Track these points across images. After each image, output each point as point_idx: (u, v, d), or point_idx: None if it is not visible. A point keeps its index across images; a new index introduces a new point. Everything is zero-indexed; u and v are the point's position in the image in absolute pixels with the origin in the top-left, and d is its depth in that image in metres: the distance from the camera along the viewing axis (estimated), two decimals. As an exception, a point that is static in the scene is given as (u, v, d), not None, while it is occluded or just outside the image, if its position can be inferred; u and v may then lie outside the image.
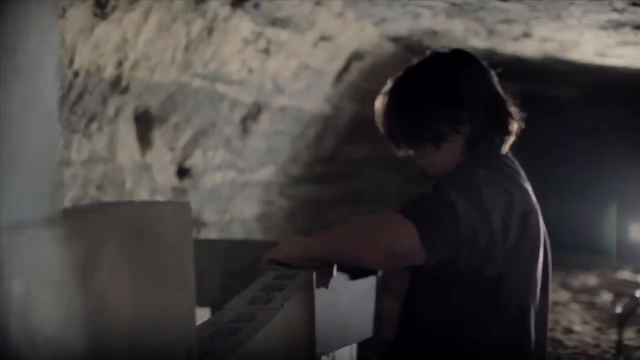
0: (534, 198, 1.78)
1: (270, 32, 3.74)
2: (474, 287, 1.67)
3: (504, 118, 1.81)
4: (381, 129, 1.86)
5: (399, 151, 1.87)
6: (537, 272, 1.76)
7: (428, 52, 1.88)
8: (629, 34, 4.20)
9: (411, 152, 1.85)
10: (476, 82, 1.80)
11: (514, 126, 1.83)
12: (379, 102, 1.86)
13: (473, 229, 1.57)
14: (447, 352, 1.74)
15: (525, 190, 1.76)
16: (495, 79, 1.85)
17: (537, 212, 1.76)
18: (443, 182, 1.68)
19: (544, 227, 1.82)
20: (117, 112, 3.04)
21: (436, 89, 1.79)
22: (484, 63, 1.86)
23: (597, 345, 4.97)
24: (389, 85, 1.86)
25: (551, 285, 1.86)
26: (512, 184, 1.73)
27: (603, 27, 4.06)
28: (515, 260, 1.68)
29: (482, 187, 1.63)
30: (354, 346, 2.26)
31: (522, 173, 1.83)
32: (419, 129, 1.79)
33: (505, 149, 1.84)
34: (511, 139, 1.84)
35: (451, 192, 1.59)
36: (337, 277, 1.72)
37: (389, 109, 1.83)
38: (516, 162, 1.84)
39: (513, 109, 1.83)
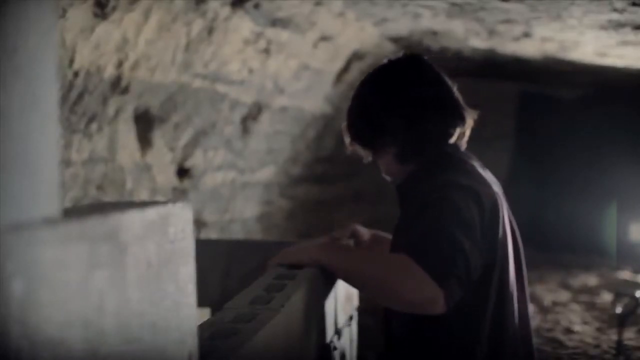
0: (494, 186, 1.80)
1: (271, 32, 3.74)
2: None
3: (438, 124, 1.83)
4: None
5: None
6: (510, 258, 1.77)
7: (384, 60, 1.95)
8: (629, 34, 4.20)
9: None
10: (406, 94, 1.84)
11: (452, 130, 1.85)
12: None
13: (475, 262, 1.61)
14: (431, 350, 1.75)
15: (485, 180, 1.78)
16: (442, 83, 1.87)
17: (500, 198, 1.78)
18: (427, 202, 1.68)
19: (509, 211, 1.84)
20: (117, 112, 3.04)
21: (365, 104, 1.89)
22: (433, 69, 1.88)
23: (597, 346, 4.97)
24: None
25: (526, 275, 1.87)
26: (474, 179, 1.75)
27: (603, 27, 4.06)
28: (492, 255, 1.70)
29: (460, 202, 1.65)
30: (354, 346, 2.26)
31: (478, 162, 1.86)
32: (359, 140, 1.91)
33: (462, 144, 1.88)
34: (464, 136, 1.88)
35: (449, 224, 1.60)
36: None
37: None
38: (470, 154, 1.88)
39: (455, 112, 1.84)
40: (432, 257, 1.57)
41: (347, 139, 1.95)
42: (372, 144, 1.89)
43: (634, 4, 3.37)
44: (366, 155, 1.94)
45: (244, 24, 3.46)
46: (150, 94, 3.18)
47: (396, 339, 1.84)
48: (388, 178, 1.96)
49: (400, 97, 1.83)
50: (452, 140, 1.85)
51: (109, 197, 3.16)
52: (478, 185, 1.73)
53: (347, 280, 1.74)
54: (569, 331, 5.32)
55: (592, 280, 7.17)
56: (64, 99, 2.63)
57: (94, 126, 2.91)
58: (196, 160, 3.93)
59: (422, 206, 1.68)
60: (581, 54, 5.29)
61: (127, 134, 3.18)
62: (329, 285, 1.83)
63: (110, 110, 2.98)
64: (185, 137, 3.71)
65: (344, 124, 1.96)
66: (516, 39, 4.73)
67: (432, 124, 1.82)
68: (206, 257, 2.26)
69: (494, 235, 1.71)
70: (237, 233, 4.87)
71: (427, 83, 1.85)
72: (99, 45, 2.64)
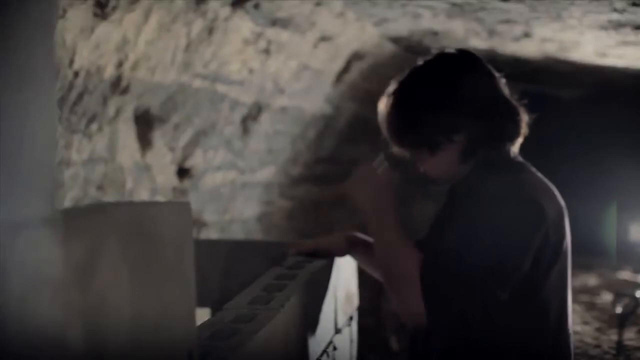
0: (558, 195, 1.77)
1: (271, 32, 3.74)
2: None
3: (508, 123, 1.78)
4: (383, 132, 1.85)
5: (401, 154, 1.88)
6: (569, 270, 1.77)
7: (434, 53, 1.85)
8: (629, 34, 4.20)
9: (410, 155, 1.84)
10: (476, 88, 1.76)
11: (520, 130, 1.80)
12: (382, 104, 1.84)
13: (488, 301, 1.60)
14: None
15: (551, 190, 1.76)
16: (500, 81, 1.81)
17: (565, 209, 1.76)
18: (481, 211, 1.64)
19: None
20: (118, 112, 3.04)
21: (432, 96, 1.76)
22: (489, 66, 1.82)
23: (597, 346, 4.97)
24: (391, 86, 1.84)
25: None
26: (540, 189, 1.72)
27: (603, 27, 4.06)
28: (555, 267, 1.70)
29: (511, 220, 1.62)
30: (354, 346, 2.26)
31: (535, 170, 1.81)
32: (414, 135, 1.78)
33: (515, 152, 1.83)
34: (518, 142, 1.82)
35: (479, 258, 1.58)
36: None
37: (388, 111, 1.82)
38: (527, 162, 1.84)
39: (519, 113, 1.80)
40: (438, 296, 1.59)
41: (395, 144, 1.83)
42: (436, 138, 1.76)
43: (634, 4, 3.37)
44: (418, 159, 1.82)
45: (244, 24, 3.46)
46: (150, 94, 3.19)
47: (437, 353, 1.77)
48: (431, 180, 1.86)
49: (474, 88, 1.76)
50: (519, 140, 1.81)
51: (109, 197, 3.16)
52: (543, 196, 1.70)
53: (374, 244, 1.74)
54: (569, 331, 5.32)
55: (592, 280, 7.17)
56: (64, 99, 2.63)
57: (94, 126, 2.91)
58: (196, 161, 3.93)
59: (471, 214, 1.65)
60: (581, 54, 5.28)
61: (127, 134, 3.18)
62: (322, 293, 1.83)
63: (110, 110, 2.98)
64: (185, 137, 3.71)
65: (384, 128, 1.84)
66: (516, 39, 4.73)
67: (504, 119, 1.77)
68: (206, 257, 2.27)
69: (557, 246, 1.68)
70: (237, 233, 4.87)
71: (493, 78, 1.81)
72: (99, 45, 2.64)
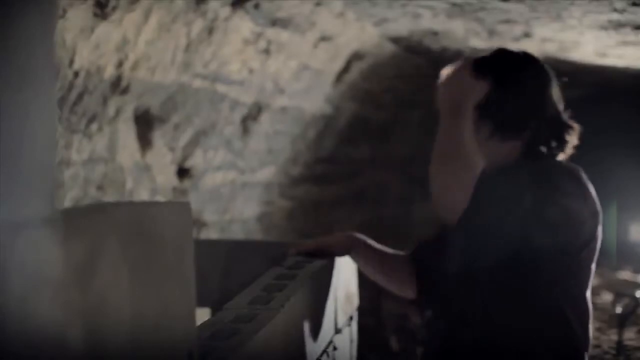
0: (597, 199, 1.78)
1: (271, 32, 3.74)
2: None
3: (563, 130, 1.81)
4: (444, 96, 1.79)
5: None
6: (590, 276, 1.80)
7: (495, 49, 1.87)
8: (629, 34, 4.20)
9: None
10: (544, 90, 1.82)
11: (572, 139, 1.83)
12: (449, 70, 1.80)
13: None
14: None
15: (590, 194, 1.76)
16: (557, 88, 1.85)
17: (600, 214, 1.77)
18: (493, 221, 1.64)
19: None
20: (118, 112, 3.04)
21: (511, 90, 1.78)
22: (550, 71, 1.86)
23: (597, 346, 4.97)
24: (462, 62, 1.81)
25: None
26: (581, 188, 1.74)
27: (603, 28, 4.06)
28: (573, 267, 1.72)
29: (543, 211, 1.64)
30: (354, 346, 2.26)
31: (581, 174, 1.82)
32: (499, 118, 1.78)
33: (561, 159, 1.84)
34: (568, 152, 1.84)
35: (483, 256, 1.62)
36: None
37: (465, 84, 1.76)
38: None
39: (571, 122, 1.83)
40: (438, 296, 1.69)
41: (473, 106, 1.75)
42: (510, 127, 1.77)
43: (634, 4, 3.37)
44: (485, 134, 1.78)
45: (244, 24, 3.46)
46: (150, 94, 3.19)
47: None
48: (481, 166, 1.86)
49: (551, 87, 1.83)
50: (565, 149, 1.83)
51: (109, 197, 3.16)
52: (582, 196, 1.73)
53: (438, 144, 1.73)
54: (569, 331, 5.31)
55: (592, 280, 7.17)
56: (64, 99, 2.63)
57: (94, 126, 2.91)
58: (196, 160, 3.93)
59: (504, 206, 1.65)
60: (581, 54, 5.28)
61: (127, 134, 3.18)
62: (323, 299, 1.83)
63: (110, 110, 2.98)
64: (185, 137, 3.71)
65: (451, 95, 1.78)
66: (516, 39, 4.73)
67: (564, 124, 1.82)
68: (206, 257, 2.27)
69: (582, 246, 1.74)
70: (237, 233, 4.87)
71: (553, 84, 1.86)
72: (99, 45, 2.64)
